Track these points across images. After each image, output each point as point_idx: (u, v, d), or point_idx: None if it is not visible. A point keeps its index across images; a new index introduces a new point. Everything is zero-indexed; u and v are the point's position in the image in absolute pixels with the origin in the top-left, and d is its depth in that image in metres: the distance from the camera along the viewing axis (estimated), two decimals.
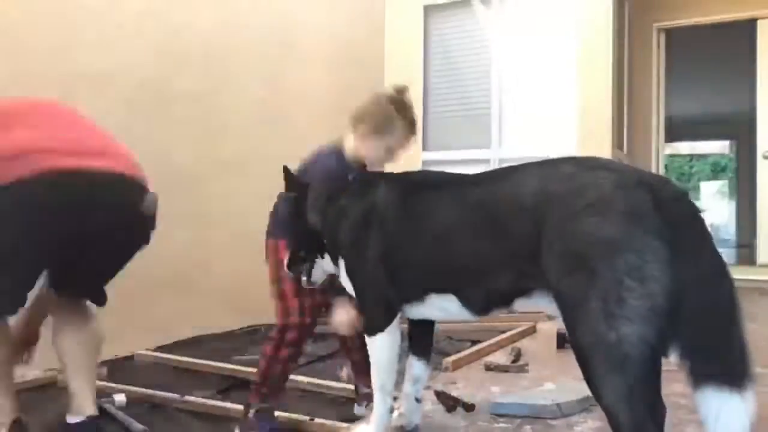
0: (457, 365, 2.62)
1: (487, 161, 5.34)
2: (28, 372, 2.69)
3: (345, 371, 2.49)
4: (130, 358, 3.16)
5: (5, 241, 1.79)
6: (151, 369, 3.00)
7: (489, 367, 2.49)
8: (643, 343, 1.24)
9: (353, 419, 2.11)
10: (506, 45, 5.34)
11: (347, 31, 5.20)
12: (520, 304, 1.54)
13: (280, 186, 1.93)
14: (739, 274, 6.64)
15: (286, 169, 1.93)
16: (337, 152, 2.05)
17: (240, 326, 3.91)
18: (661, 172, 6.60)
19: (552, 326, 3.54)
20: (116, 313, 3.20)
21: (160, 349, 3.32)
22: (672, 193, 1.33)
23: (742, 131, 7.57)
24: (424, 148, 5.57)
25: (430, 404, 2.03)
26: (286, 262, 1.93)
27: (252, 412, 2.04)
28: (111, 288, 3.03)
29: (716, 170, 20.45)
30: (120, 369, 3.00)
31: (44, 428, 2.16)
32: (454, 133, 5.54)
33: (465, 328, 3.63)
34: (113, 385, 2.61)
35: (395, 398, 1.81)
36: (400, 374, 1.83)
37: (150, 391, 2.52)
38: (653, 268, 1.24)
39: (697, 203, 1.39)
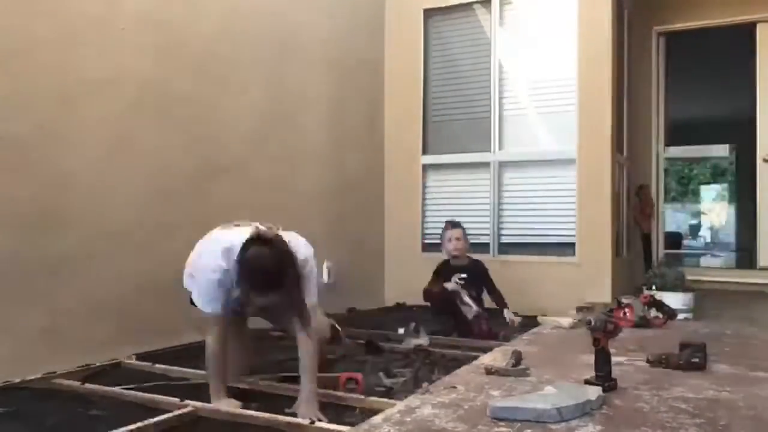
0: None
1: (486, 164, 5.35)
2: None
3: None
4: (126, 362, 3.14)
5: None
6: (146, 373, 2.98)
7: (489, 371, 2.49)
8: None
9: (352, 423, 2.10)
10: (506, 48, 5.34)
11: (348, 35, 5.21)
12: None
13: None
14: (739, 277, 6.63)
15: None
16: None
17: None
18: (662, 175, 6.60)
19: (552, 331, 3.53)
20: (116, 317, 3.21)
21: (158, 352, 3.31)
22: None
23: (742, 135, 7.59)
24: (424, 151, 5.58)
25: (430, 407, 2.02)
26: None
27: None
28: (111, 291, 3.02)
29: (716, 174, 20.46)
30: (115, 373, 3.00)
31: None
32: (453, 136, 5.54)
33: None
34: (109, 388, 2.60)
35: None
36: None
37: (148, 395, 2.51)
38: None
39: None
